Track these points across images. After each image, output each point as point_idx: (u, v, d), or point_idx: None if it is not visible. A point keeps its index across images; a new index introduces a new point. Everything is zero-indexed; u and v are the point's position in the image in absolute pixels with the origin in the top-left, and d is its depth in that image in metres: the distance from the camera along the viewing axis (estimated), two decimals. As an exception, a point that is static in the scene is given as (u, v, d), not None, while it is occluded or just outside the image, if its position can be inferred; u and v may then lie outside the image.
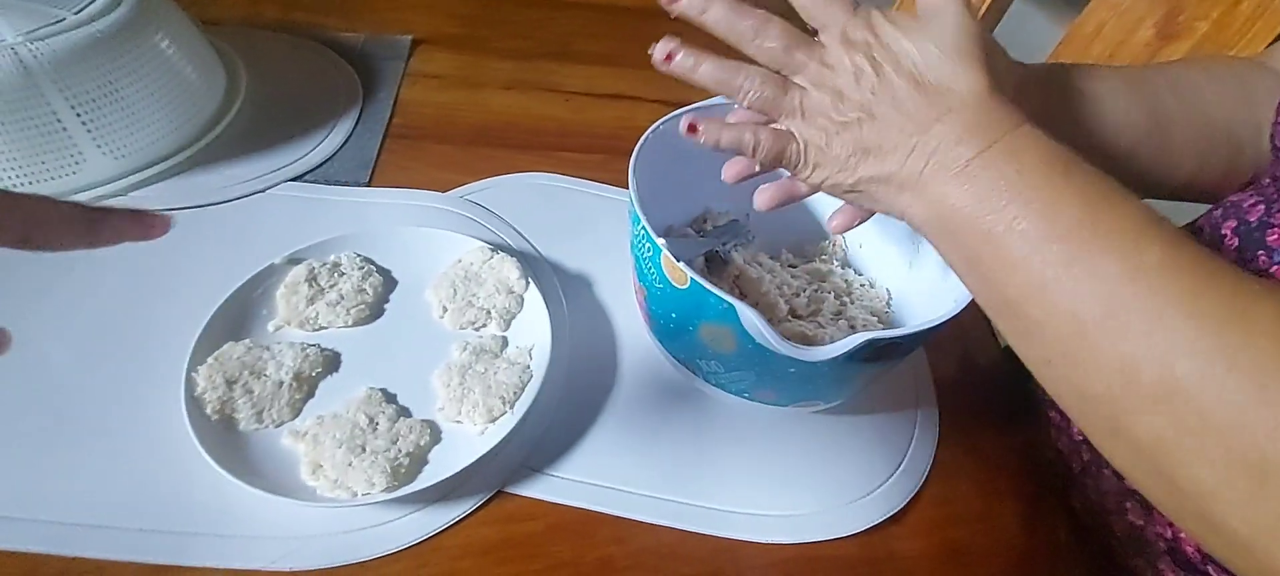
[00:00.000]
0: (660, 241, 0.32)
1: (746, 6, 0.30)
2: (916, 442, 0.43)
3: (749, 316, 0.30)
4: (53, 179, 0.44)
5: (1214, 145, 0.35)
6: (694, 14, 0.30)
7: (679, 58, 0.30)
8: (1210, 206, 0.37)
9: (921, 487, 0.41)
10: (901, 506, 0.40)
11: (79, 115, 0.44)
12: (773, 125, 0.31)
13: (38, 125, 0.43)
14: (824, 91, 0.29)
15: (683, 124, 0.31)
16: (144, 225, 0.24)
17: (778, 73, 0.30)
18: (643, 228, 0.33)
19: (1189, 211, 0.38)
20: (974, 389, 0.48)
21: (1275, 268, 0.32)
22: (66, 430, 0.36)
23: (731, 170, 0.35)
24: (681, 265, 0.31)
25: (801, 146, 0.30)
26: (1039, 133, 0.26)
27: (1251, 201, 0.33)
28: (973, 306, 0.33)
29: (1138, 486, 0.25)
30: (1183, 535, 0.35)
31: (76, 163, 0.45)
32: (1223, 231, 0.34)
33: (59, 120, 0.43)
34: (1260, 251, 0.32)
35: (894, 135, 0.27)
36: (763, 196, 0.35)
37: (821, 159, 0.29)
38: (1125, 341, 0.22)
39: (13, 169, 0.43)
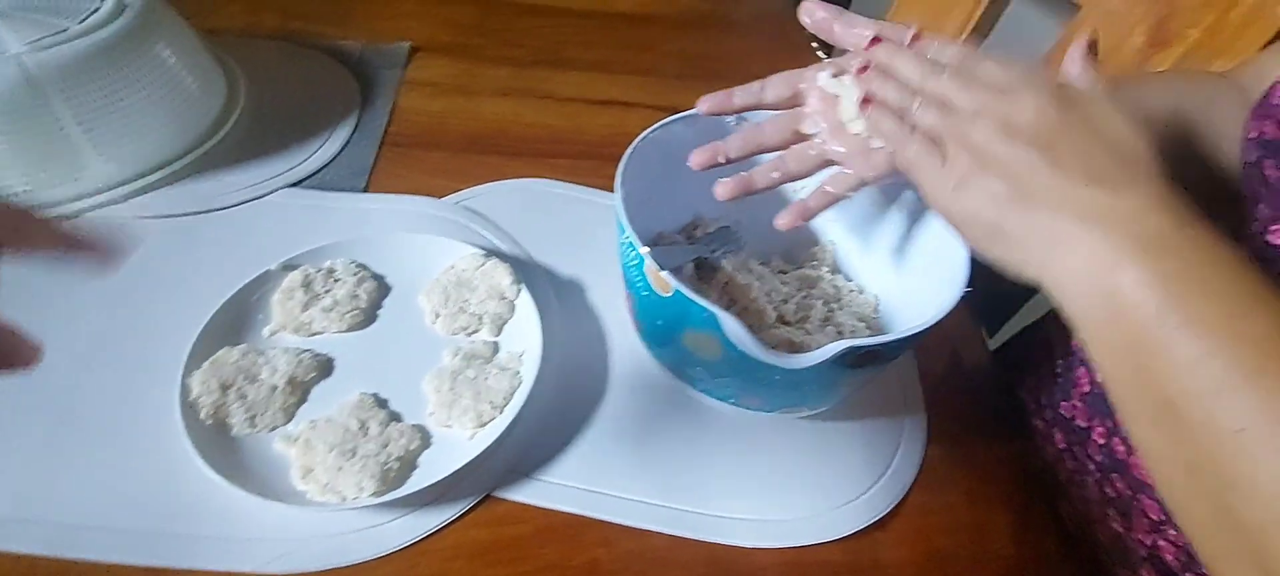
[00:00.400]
0: (644, 249, 0.33)
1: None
2: (903, 449, 0.43)
3: (731, 324, 0.30)
4: (55, 186, 0.45)
5: (1180, 160, 0.36)
6: (882, 59, 0.31)
7: (871, 78, 0.31)
8: None
9: (908, 494, 0.41)
10: (886, 512, 0.40)
11: (81, 123, 0.45)
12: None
13: (41, 133, 0.44)
14: (991, 119, 0.27)
15: (853, 158, 0.32)
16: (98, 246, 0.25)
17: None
18: (628, 235, 0.34)
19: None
20: (963, 395, 0.48)
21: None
22: (63, 433, 0.36)
23: (698, 158, 0.35)
24: (665, 273, 0.32)
25: (947, 161, 0.28)
26: (1223, 231, 0.24)
27: (1217, 212, 0.33)
28: (957, 312, 0.33)
29: None
30: (1162, 543, 0.35)
31: (78, 170, 0.46)
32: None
33: (62, 128, 0.44)
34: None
35: (1066, 179, 0.25)
36: (722, 188, 0.34)
37: (966, 182, 0.27)
38: None
39: (16, 176, 0.44)
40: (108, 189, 0.47)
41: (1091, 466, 0.39)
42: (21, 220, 0.24)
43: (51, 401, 0.37)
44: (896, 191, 0.43)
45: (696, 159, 0.35)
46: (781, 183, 0.36)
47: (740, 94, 0.36)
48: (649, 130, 0.40)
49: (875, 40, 0.32)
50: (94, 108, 0.45)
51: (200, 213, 0.48)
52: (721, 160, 0.35)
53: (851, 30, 0.34)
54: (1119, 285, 0.24)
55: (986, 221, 0.27)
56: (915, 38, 0.32)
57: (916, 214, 0.42)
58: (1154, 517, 0.35)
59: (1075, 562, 0.41)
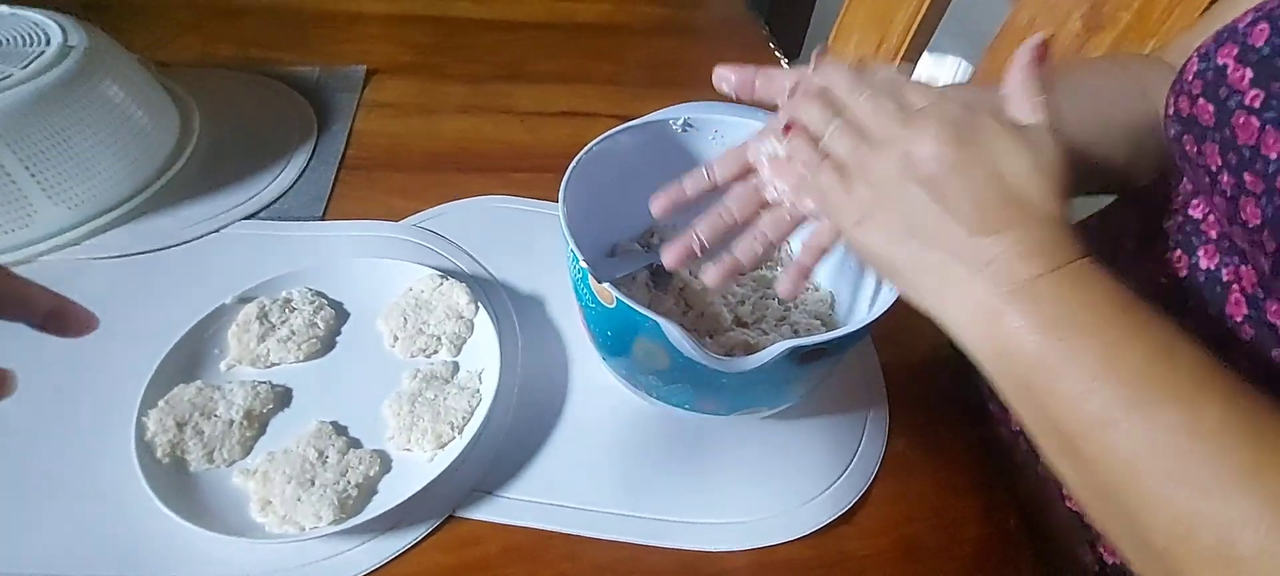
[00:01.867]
0: (584, 263, 0.33)
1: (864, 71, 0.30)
2: (866, 441, 0.43)
3: (672, 331, 0.30)
4: (3, 233, 0.45)
5: (1113, 141, 0.36)
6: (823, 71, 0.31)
7: (797, 95, 0.31)
8: (1116, 197, 0.38)
9: (872, 485, 0.42)
10: (851, 505, 0.40)
11: (28, 169, 0.45)
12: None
13: (-14, 181, 0.43)
14: (893, 152, 0.27)
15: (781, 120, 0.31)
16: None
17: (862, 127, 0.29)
18: (571, 247, 0.34)
19: (1100, 201, 0.38)
20: (926, 384, 0.48)
21: (1173, 254, 0.33)
22: (19, 479, 0.36)
23: (673, 255, 0.34)
24: (606, 285, 0.32)
25: (851, 196, 0.28)
26: (1101, 266, 0.25)
27: (1150, 187, 0.34)
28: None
29: None
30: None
31: (28, 216, 0.45)
32: (1127, 219, 0.35)
33: (8, 175, 0.44)
34: (1158, 242, 0.33)
35: (954, 223, 0.26)
36: (710, 276, 0.34)
37: (867, 219, 0.28)
38: (1182, 498, 0.22)
39: (-37, 226, 0.44)
40: (60, 233, 0.47)
41: (1043, 448, 0.40)
42: (6, 286, 0.24)
43: (7, 448, 0.37)
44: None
45: (671, 257, 0.34)
46: (766, 257, 0.35)
47: (690, 183, 0.36)
48: (593, 143, 0.40)
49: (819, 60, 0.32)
50: (42, 152, 0.45)
51: (155, 250, 0.48)
52: (697, 252, 0.35)
53: (771, 84, 0.34)
54: (1001, 331, 0.25)
55: (883, 258, 0.28)
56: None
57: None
58: (1105, 495, 0.36)
59: (1036, 542, 0.41)
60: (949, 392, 0.48)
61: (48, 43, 0.48)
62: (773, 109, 0.36)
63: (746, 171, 0.36)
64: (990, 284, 0.25)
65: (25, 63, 0.46)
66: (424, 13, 0.80)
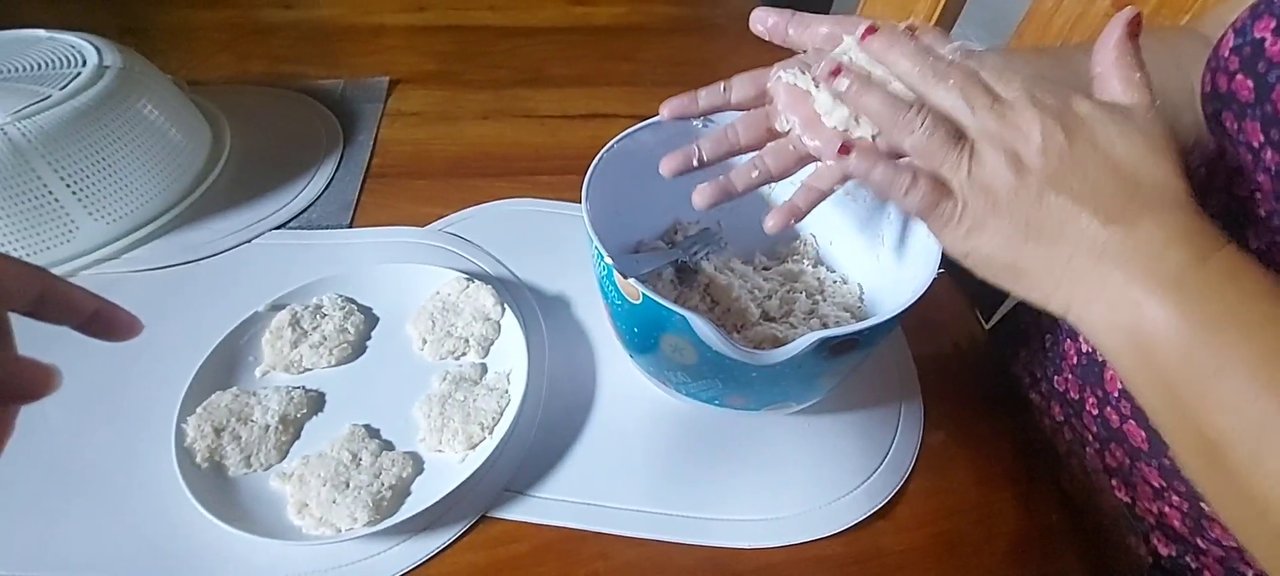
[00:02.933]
0: (609, 260, 0.33)
1: (930, 48, 0.28)
2: (900, 434, 0.42)
3: (701, 325, 0.30)
4: (48, 249, 0.46)
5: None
6: (877, 51, 0.29)
7: (846, 82, 0.28)
8: None
9: (909, 480, 0.41)
10: (886, 500, 0.39)
11: (69, 186, 0.46)
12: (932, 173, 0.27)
13: (30, 199, 0.45)
14: (999, 151, 0.25)
15: (830, 151, 0.28)
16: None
17: (949, 120, 0.27)
18: (596, 245, 0.34)
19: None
20: (960, 376, 0.47)
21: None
22: (60, 486, 0.37)
23: (670, 163, 0.34)
24: (631, 280, 0.32)
25: (960, 207, 0.26)
26: (1248, 254, 0.23)
27: (1192, 164, 0.33)
28: (948, 292, 0.32)
29: None
30: (1168, 510, 0.34)
31: (70, 231, 0.47)
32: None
33: (50, 192, 0.46)
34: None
35: (1081, 219, 0.24)
36: (701, 195, 0.33)
37: (979, 226, 0.26)
38: None
39: (8, 242, 0.45)
40: (100, 247, 0.48)
41: (1089, 437, 0.39)
42: (49, 287, 0.25)
43: (47, 455, 0.38)
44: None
45: (667, 165, 0.34)
46: (761, 183, 0.35)
47: (705, 96, 0.35)
48: (614, 140, 0.40)
49: (870, 30, 0.29)
50: (81, 170, 0.47)
51: (190, 261, 0.49)
52: (695, 164, 0.34)
53: (806, 31, 0.33)
54: (1144, 327, 0.23)
55: (1002, 261, 0.26)
56: (869, 31, 0.30)
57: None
58: (1155, 485, 0.34)
59: (1081, 534, 0.40)
60: (985, 384, 0.47)
61: (84, 64, 0.50)
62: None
63: (763, 97, 0.35)
64: (1127, 277, 0.23)
65: (63, 84, 0.48)
66: (444, 23, 0.81)
